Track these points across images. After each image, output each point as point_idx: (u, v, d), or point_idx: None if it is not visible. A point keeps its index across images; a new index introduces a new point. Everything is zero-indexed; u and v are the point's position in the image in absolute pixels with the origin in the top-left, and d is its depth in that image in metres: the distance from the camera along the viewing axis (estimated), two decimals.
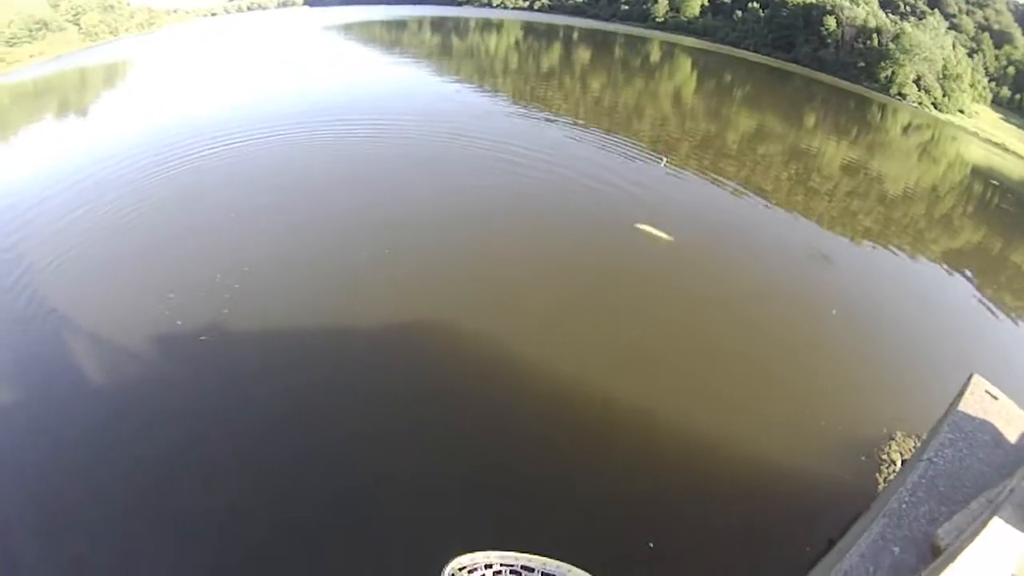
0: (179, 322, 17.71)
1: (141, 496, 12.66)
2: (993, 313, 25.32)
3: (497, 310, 19.38)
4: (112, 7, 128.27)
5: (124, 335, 17.42)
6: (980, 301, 26.25)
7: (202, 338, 17.07)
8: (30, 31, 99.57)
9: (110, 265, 21.41)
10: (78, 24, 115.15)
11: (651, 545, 12.10)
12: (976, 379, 11.72)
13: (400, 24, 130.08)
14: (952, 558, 7.17)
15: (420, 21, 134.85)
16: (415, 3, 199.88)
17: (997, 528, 7.24)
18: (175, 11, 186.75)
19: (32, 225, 24.45)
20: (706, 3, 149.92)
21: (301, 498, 12.60)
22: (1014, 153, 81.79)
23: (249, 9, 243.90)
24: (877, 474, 14.47)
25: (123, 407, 15.07)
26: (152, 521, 12.15)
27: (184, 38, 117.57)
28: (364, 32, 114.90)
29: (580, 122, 43.10)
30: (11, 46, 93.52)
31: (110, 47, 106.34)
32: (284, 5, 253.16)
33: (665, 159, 28.40)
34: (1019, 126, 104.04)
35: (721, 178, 34.60)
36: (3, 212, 25.90)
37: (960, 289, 27.25)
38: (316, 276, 20.55)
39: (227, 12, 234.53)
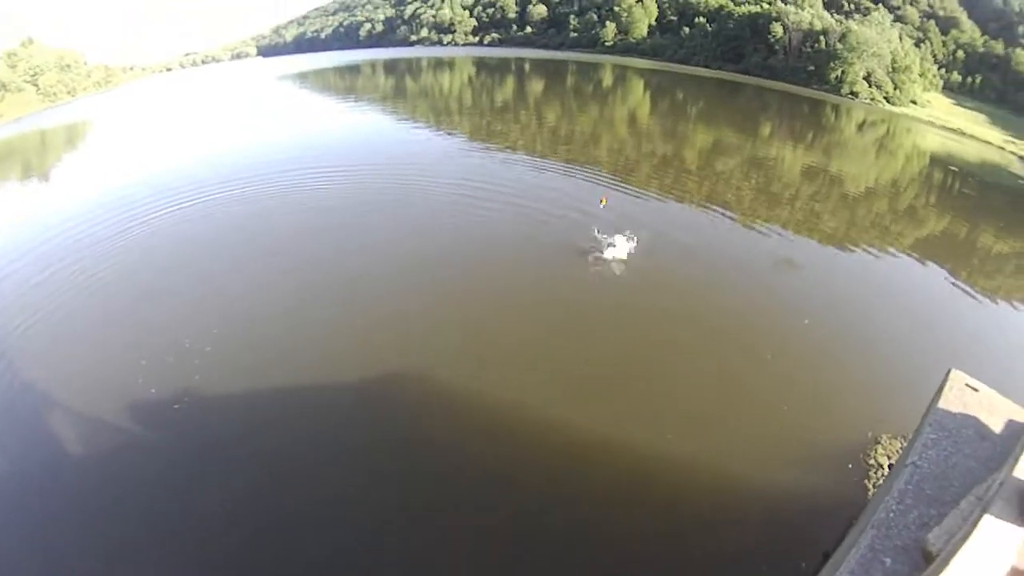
0: (153, 390, 17.35)
1: (122, 567, 12.32)
2: (969, 299, 25.39)
3: (467, 352, 19.10)
4: (69, 66, 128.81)
5: (98, 405, 17.02)
6: (954, 289, 26.33)
7: (175, 406, 16.69)
8: None
9: (78, 331, 21.06)
10: (36, 84, 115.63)
11: None
12: (955, 374, 11.60)
13: (353, 69, 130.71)
14: (946, 563, 7.01)
15: (373, 65, 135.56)
16: (367, 47, 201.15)
17: (989, 526, 7.09)
18: (131, 68, 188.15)
19: None
20: (653, 23, 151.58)
21: (289, 560, 12.23)
22: (971, 136, 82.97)
23: (204, 63, 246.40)
24: (866, 480, 14.28)
25: (101, 478, 14.67)
26: None
27: (142, 95, 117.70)
28: (319, 80, 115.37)
29: (538, 154, 43.13)
30: None
31: (69, 107, 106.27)
32: (238, 57, 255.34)
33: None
34: (973, 109, 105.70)
35: (683, 196, 34.62)
36: None
37: (932, 280, 27.26)
38: (285, 334, 20.16)
39: (182, 67, 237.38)
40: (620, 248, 24.12)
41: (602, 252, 24.33)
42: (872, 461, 14.84)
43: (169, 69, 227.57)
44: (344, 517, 13.16)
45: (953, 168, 57.19)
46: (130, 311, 21.76)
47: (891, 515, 8.85)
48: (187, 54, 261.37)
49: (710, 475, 14.33)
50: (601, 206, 27.12)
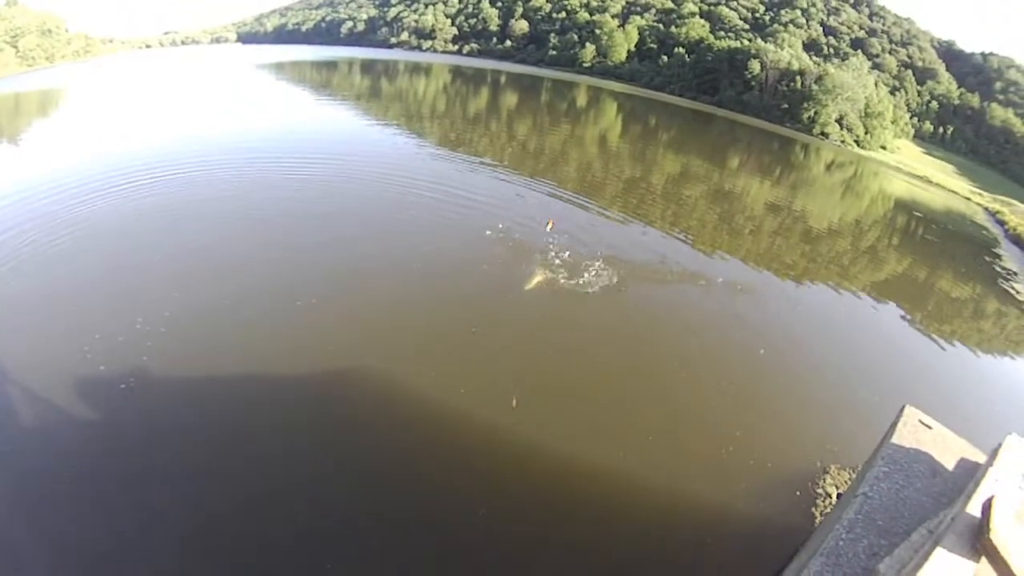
0: (102, 367, 16.36)
1: (53, 552, 11.27)
2: (924, 340, 25.38)
3: (427, 358, 18.08)
4: (50, 32, 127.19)
5: (43, 377, 15.59)
6: (909, 330, 26.32)
7: (122, 385, 15.69)
8: None
9: (26, 299, 19.63)
10: (16, 47, 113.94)
11: None
12: (909, 410, 11.25)
13: (330, 65, 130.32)
14: None
15: (350, 63, 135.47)
16: (346, 45, 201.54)
17: (941, 558, 6.69)
18: (111, 41, 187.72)
19: None
20: (633, 48, 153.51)
21: (230, 550, 11.39)
22: (937, 185, 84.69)
23: (183, 43, 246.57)
24: (813, 508, 13.88)
25: (40, 451, 13.43)
26: None
27: (120, 68, 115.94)
28: (295, 72, 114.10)
29: (505, 166, 42.32)
30: None
31: (47, 73, 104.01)
32: (217, 41, 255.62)
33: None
34: (942, 159, 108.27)
35: (647, 219, 34.09)
36: None
37: (889, 320, 27.16)
38: (240, 323, 18.88)
39: (161, 45, 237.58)
40: None
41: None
42: (820, 490, 14.45)
43: (148, 46, 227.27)
44: (288, 515, 12.25)
45: (917, 214, 57.65)
46: (84, 285, 20.73)
47: (841, 543, 8.56)
48: (167, 32, 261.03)
49: (660, 496, 13.86)
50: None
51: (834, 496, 14.28)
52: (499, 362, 18.73)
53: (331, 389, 16.45)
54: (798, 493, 14.31)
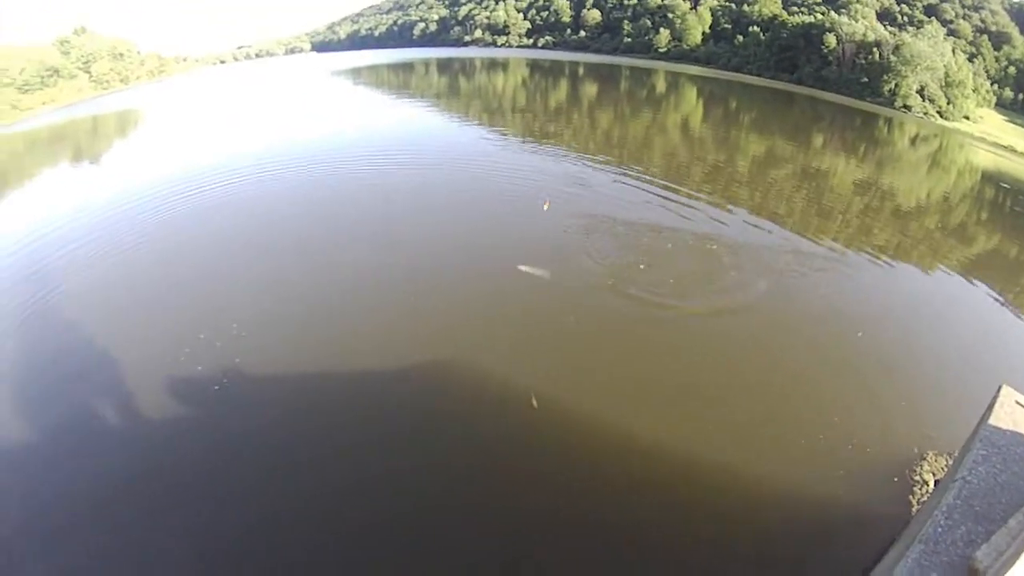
0: (199, 367, 17.86)
1: (153, 543, 12.55)
2: (1016, 319, 25.17)
3: (521, 351, 19.40)
4: (122, 55, 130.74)
5: (144, 376, 17.84)
6: (1002, 308, 26.14)
7: (216, 387, 17.13)
8: (42, 78, 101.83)
9: (124, 302, 21.96)
10: (89, 72, 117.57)
11: None
12: (1006, 390, 11.51)
13: (407, 67, 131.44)
14: None
15: (426, 63, 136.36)
16: (420, 46, 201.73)
17: None
18: (184, 59, 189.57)
19: (41, 256, 25.45)
20: (707, 30, 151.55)
21: (311, 542, 12.43)
22: (1022, 154, 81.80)
23: (257, 56, 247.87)
24: (910, 496, 14.22)
25: (136, 445, 15.37)
26: (168, 565, 12.18)
27: (196, 85, 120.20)
28: (372, 76, 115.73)
29: (590, 156, 43.38)
30: (23, 93, 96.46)
31: (122, 95, 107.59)
32: (292, 51, 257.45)
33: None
34: None
35: (735, 204, 34.71)
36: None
37: (981, 298, 27.07)
38: (330, 322, 20.59)
39: (236, 59, 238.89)
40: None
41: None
42: (918, 477, 14.85)
43: (223, 61, 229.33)
44: (377, 505, 13.55)
45: (1005, 186, 56.77)
46: (178, 290, 22.71)
47: (938, 530, 8.83)
48: (240, 47, 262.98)
49: (755, 485, 14.53)
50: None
51: (931, 484, 14.67)
52: (591, 353, 19.66)
53: (426, 383, 17.72)
54: (896, 480, 14.82)
